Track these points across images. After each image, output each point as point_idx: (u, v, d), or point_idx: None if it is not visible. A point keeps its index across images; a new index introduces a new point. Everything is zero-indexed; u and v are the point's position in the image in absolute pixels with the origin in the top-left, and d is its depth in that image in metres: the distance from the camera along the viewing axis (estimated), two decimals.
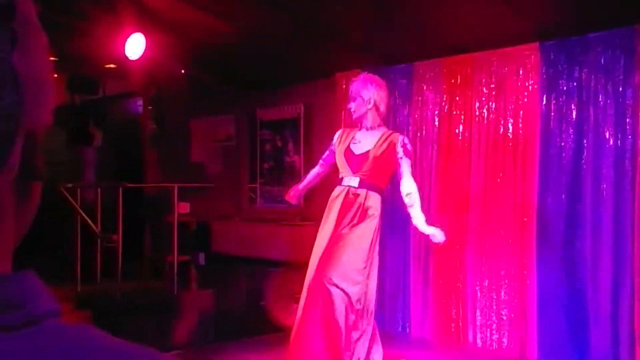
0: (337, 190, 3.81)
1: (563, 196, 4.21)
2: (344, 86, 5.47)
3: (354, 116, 3.83)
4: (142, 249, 7.07)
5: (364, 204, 3.70)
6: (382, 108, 3.82)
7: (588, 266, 4.05)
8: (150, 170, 7.51)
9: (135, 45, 5.33)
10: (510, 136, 4.44)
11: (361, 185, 3.72)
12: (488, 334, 4.53)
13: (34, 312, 0.43)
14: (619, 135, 3.96)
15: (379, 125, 3.82)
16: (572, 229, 4.16)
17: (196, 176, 7.04)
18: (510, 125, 4.45)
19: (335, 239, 3.71)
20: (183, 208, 6.59)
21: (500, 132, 4.50)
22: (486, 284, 4.54)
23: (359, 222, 3.69)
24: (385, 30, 4.68)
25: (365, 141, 3.80)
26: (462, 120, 4.71)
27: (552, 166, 4.25)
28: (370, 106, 3.76)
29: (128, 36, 5.31)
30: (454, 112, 4.71)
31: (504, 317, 4.45)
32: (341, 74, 5.48)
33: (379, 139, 3.76)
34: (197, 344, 5.62)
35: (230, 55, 5.69)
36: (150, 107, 7.50)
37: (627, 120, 3.94)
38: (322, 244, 3.76)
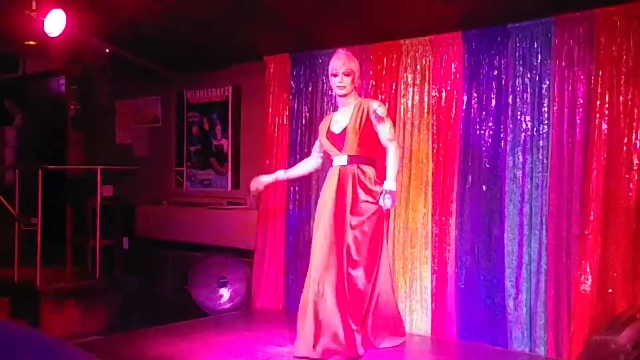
0: (330, 171, 3.94)
1: (482, 185, 4.32)
2: (272, 70, 5.44)
3: (342, 92, 3.93)
4: (64, 233, 6.85)
5: (358, 179, 3.82)
6: (357, 82, 4.02)
7: (505, 252, 4.19)
8: (73, 151, 7.27)
9: (55, 22, 5.13)
10: (434, 123, 4.52)
11: (350, 161, 3.85)
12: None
13: None
14: (535, 125, 4.10)
15: (354, 99, 3.98)
16: (489, 215, 4.28)
17: (122, 158, 6.86)
18: (432, 112, 4.53)
19: (342, 229, 3.77)
20: (107, 191, 6.43)
21: (424, 119, 4.58)
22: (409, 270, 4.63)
23: (365, 203, 3.80)
24: (315, 15, 4.67)
25: (342, 118, 3.94)
26: (386, 107, 4.75)
27: (473, 153, 4.36)
28: (357, 82, 3.99)
29: (48, 12, 5.11)
30: (379, 98, 4.75)
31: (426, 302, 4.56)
32: (270, 57, 5.45)
33: (352, 112, 3.89)
34: (120, 329, 5.52)
35: (158, 35, 5.55)
36: (73, 87, 7.25)
37: (544, 109, 4.08)
38: (326, 231, 3.75)
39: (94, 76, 7.03)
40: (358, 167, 3.84)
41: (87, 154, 7.16)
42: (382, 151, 3.96)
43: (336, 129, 3.94)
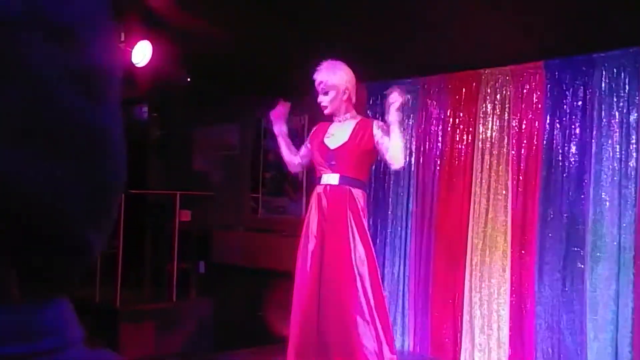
0: (317, 189, 3.52)
1: (564, 216, 4.20)
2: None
3: (328, 110, 3.52)
4: (143, 256, 7.06)
5: (349, 202, 3.38)
6: (354, 95, 3.57)
7: (589, 289, 4.03)
8: (153, 177, 7.52)
9: (142, 53, 5.37)
10: (514, 154, 4.44)
11: (342, 182, 3.42)
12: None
13: (66, 339, 0.44)
14: (623, 157, 3.96)
15: (351, 116, 3.56)
16: (572, 250, 4.14)
17: (198, 184, 7.04)
18: (513, 143, 4.45)
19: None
20: (184, 216, 6.60)
21: (504, 150, 4.50)
22: (485, 301, 4.52)
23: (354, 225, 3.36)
24: (392, 43, 4.69)
25: (339, 133, 3.51)
26: (465, 137, 4.71)
27: (555, 185, 4.25)
28: (345, 97, 3.50)
29: (135, 43, 5.35)
30: (458, 129, 4.71)
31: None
32: None
33: (353, 130, 3.49)
34: (195, 352, 5.61)
35: (236, 64, 5.71)
36: (155, 114, 7.53)
37: (632, 141, 3.93)
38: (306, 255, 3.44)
39: (175, 104, 7.27)
40: (350, 190, 3.41)
41: (166, 180, 7.38)
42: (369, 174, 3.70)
43: (330, 143, 3.50)
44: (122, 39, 5.35)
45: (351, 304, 3.31)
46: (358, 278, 3.32)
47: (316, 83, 3.53)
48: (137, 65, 5.44)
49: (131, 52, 5.38)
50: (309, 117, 6.24)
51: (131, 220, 6.54)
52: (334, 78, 3.48)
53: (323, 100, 3.51)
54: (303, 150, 3.80)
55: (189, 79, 6.25)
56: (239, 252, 6.36)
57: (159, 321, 6.23)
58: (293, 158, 3.82)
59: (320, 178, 3.53)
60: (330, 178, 3.46)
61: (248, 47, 5.34)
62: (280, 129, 3.84)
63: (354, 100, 3.58)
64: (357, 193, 3.44)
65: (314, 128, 3.79)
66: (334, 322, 3.34)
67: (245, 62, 5.68)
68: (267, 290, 5.83)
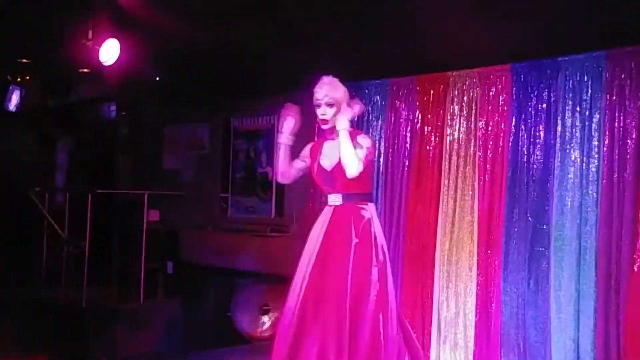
0: (325, 211, 3.56)
1: (529, 217, 4.28)
2: None
3: (328, 125, 3.52)
4: (110, 256, 6.98)
5: (354, 218, 3.43)
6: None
7: (553, 288, 4.11)
8: (121, 176, 7.44)
9: (110, 51, 5.30)
10: (480, 155, 4.51)
11: (345, 199, 3.48)
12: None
13: None
14: (585, 159, 4.05)
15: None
16: (536, 249, 4.22)
17: (168, 184, 6.99)
18: (480, 144, 4.52)
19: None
20: (153, 215, 6.55)
21: (471, 152, 4.57)
22: (452, 300, 4.58)
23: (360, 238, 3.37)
24: (362, 45, 4.72)
25: (332, 153, 3.54)
26: (433, 138, 4.76)
27: (520, 186, 4.33)
28: (335, 110, 3.51)
29: (103, 41, 5.28)
30: (425, 130, 4.77)
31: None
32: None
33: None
34: (163, 353, 5.57)
35: (207, 63, 5.68)
36: (123, 113, 7.45)
37: (594, 143, 4.03)
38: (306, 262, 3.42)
39: (144, 103, 7.21)
40: (356, 206, 3.46)
41: (135, 179, 7.31)
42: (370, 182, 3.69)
43: (326, 164, 3.55)
44: (90, 37, 5.28)
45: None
46: (348, 299, 3.29)
47: (319, 96, 3.55)
48: (105, 64, 5.37)
49: (99, 50, 5.31)
50: (279, 117, 6.24)
51: (99, 219, 6.48)
52: (337, 93, 3.55)
53: (327, 113, 3.52)
54: (300, 164, 3.75)
55: (157, 78, 6.19)
56: (208, 252, 6.33)
57: (127, 322, 6.18)
58: (290, 170, 3.74)
59: (327, 198, 3.58)
60: (335, 199, 3.52)
61: (219, 46, 5.32)
62: (286, 139, 3.69)
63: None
64: (363, 207, 3.48)
65: (308, 147, 3.77)
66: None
67: (216, 61, 5.66)
68: (236, 290, 5.83)
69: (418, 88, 4.85)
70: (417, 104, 4.84)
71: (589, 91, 4.05)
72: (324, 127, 3.57)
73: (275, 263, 5.70)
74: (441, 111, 4.73)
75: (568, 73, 4.14)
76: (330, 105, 3.51)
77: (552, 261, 4.12)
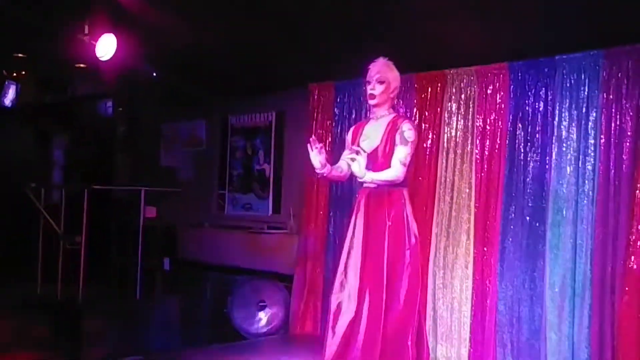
0: (360, 192, 3.69)
1: (525, 214, 4.29)
2: (316, 96, 5.52)
3: (376, 101, 3.61)
4: (107, 253, 6.98)
5: (387, 202, 3.53)
6: (393, 95, 3.69)
7: (548, 285, 4.12)
8: (118, 173, 7.44)
9: (106, 46, 5.28)
10: (477, 153, 4.51)
11: (379, 184, 3.56)
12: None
13: None
14: (581, 157, 4.06)
15: (389, 113, 3.66)
16: (533, 247, 4.24)
17: (165, 180, 6.99)
18: (477, 142, 4.52)
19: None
20: (150, 212, 6.54)
21: (468, 149, 4.57)
22: (448, 297, 4.59)
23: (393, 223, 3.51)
24: (359, 44, 4.72)
25: (374, 135, 3.63)
26: (430, 136, 4.77)
27: (516, 184, 4.33)
28: (393, 94, 3.65)
29: (100, 36, 5.27)
30: (423, 127, 4.77)
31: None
32: (314, 85, 5.53)
33: (384, 132, 3.59)
34: (160, 349, 5.57)
35: (204, 60, 5.67)
36: (120, 109, 7.44)
37: (590, 141, 4.04)
38: (356, 254, 3.57)
39: (141, 99, 7.20)
40: (388, 191, 3.55)
41: (132, 176, 7.31)
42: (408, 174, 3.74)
43: (366, 146, 3.63)
44: (87, 32, 5.27)
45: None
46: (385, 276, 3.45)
47: (372, 72, 3.62)
48: (101, 59, 5.36)
49: (95, 45, 5.29)
50: (276, 114, 6.26)
51: (95, 216, 6.48)
52: (390, 73, 3.63)
53: (376, 88, 3.59)
54: (346, 153, 3.80)
55: (155, 74, 6.18)
56: (206, 249, 6.34)
57: (123, 319, 6.17)
58: (342, 174, 3.79)
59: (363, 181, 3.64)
60: (370, 182, 3.58)
61: (217, 44, 5.31)
62: (323, 171, 3.63)
63: (395, 102, 3.77)
64: (396, 193, 3.56)
65: (351, 129, 3.87)
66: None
67: (214, 59, 5.65)
68: (233, 287, 5.83)
69: (416, 86, 4.86)
70: (415, 101, 4.85)
71: (586, 90, 4.06)
72: (371, 102, 3.66)
73: (272, 260, 5.72)
74: (439, 109, 4.73)
75: (565, 72, 4.14)
76: (381, 82, 3.58)
77: (547, 259, 4.13)
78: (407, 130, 3.54)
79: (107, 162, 7.44)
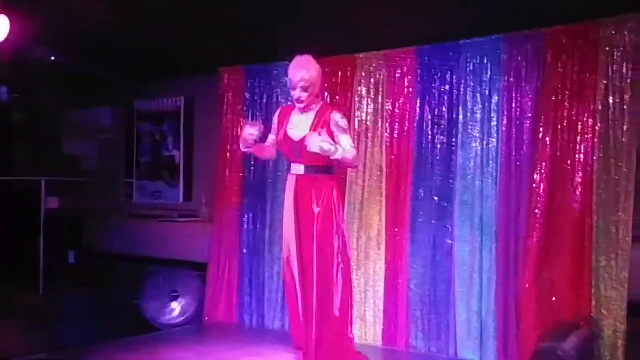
0: (288, 179, 3.82)
1: (433, 195, 4.41)
2: (226, 80, 5.43)
3: (304, 105, 3.71)
4: (7, 247, 6.61)
5: (315, 189, 3.68)
6: (317, 89, 3.79)
7: (456, 262, 4.27)
8: (18, 162, 7.06)
9: None
10: (387, 136, 4.59)
11: (307, 171, 3.71)
12: None
13: None
14: (485, 138, 4.21)
15: (313, 105, 3.75)
16: (441, 226, 4.37)
17: (68, 170, 6.69)
18: (387, 125, 4.60)
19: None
20: (51, 203, 6.25)
21: (378, 132, 4.65)
22: (362, 277, 4.67)
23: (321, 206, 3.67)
24: (270, 26, 4.68)
25: (301, 124, 3.71)
26: None
27: (425, 165, 4.44)
28: (310, 92, 3.70)
29: None
30: None
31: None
32: (224, 68, 5.44)
33: (313, 121, 3.69)
34: (66, 346, 5.35)
35: (108, 42, 5.44)
36: (16, 95, 7.04)
37: (493, 123, 4.20)
38: (289, 235, 3.76)
39: (40, 84, 6.83)
40: (315, 177, 3.70)
41: (32, 165, 6.95)
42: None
43: (294, 134, 3.73)
44: None
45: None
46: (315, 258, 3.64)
47: (295, 80, 3.67)
48: None
49: None
50: (185, 99, 6.12)
51: None
52: (312, 75, 3.69)
53: (302, 96, 3.69)
54: (272, 139, 3.96)
55: (53, 57, 5.87)
56: (114, 239, 6.12)
57: (26, 316, 5.89)
58: (272, 153, 4.05)
59: (289, 167, 3.84)
60: (297, 168, 3.75)
61: (121, 25, 5.11)
62: (247, 148, 3.86)
63: (317, 91, 3.82)
64: (324, 178, 3.72)
65: (278, 112, 3.96)
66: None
67: (118, 41, 5.43)
68: (143, 278, 5.68)
69: (326, 70, 4.84)
70: (326, 85, 4.86)
71: (489, 73, 4.22)
72: (299, 105, 3.74)
73: (185, 248, 5.60)
74: (349, 93, 4.78)
75: (469, 55, 4.28)
76: (304, 89, 3.66)
77: (455, 236, 4.28)
78: (340, 119, 3.68)
79: (5, 151, 7.04)
